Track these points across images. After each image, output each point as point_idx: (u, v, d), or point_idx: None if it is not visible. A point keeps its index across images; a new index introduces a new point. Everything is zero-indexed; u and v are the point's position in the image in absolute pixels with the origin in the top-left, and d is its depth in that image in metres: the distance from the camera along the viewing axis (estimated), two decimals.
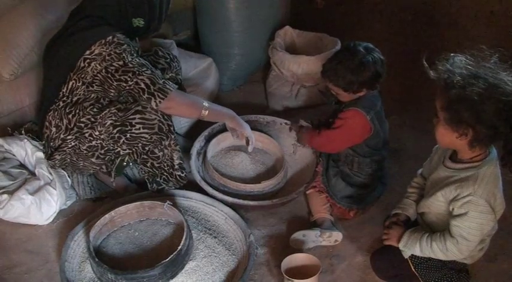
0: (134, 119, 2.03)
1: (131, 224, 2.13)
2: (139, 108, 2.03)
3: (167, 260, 1.83)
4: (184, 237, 1.90)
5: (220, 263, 1.98)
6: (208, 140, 2.49)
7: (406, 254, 1.76)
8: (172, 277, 1.88)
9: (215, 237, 2.08)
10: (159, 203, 2.08)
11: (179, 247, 1.87)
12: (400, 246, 1.75)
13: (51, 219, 2.21)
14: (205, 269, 1.95)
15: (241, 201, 2.19)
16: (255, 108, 2.68)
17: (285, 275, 1.86)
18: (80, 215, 2.24)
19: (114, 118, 2.03)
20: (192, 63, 2.81)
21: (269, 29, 2.98)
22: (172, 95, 1.99)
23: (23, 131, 2.39)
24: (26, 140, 2.31)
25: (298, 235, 2.09)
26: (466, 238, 1.61)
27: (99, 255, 1.94)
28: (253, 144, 2.28)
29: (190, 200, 2.23)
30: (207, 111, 2.09)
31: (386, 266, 1.90)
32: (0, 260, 2.07)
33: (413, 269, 1.77)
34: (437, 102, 1.57)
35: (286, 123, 2.51)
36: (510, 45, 3.27)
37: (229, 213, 2.16)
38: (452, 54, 1.58)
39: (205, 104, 2.11)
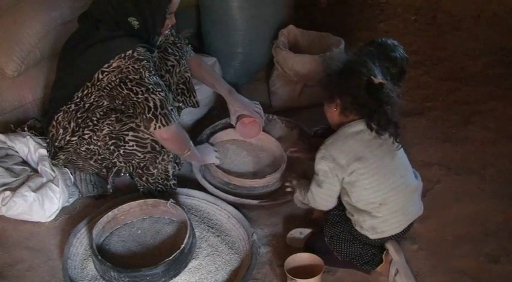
0: (127, 135, 2.01)
1: (134, 222, 2.12)
2: (133, 125, 2.01)
3: (170, 258, 1.83)
4: (187, 236, 1.90)
5: (223, 262, 1.98)
6: (209, 137, 2.50)
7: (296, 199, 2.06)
8: (175, 275, 1.88)
9: (218, 235, 2.08)
10: (162, 201, 2.08)
11: (182, 245, 1.87)
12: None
13: (53, 217, 2.21)
14: (208, 268, 1.95)
15: (242, 200, 2.19)
16: None
17: (288, 275, 1.86)
18: (82, 213, 2.24)
19: (110, 128, 2.02)
20: None
21: (272, 27, 2.97)
22: (172, 127, 1.96)
23: (25, 128, 2.39)
24: (28, 137, 2.31)
25: (295, 233, 2.09)
26: (316, 182, 1.90)
27: (101, 253, 1.93)
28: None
29: (193, 198, 2.23)
30: (188, 152, 2.13)
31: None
32: (2, 257, 2.07)
33: (327, 243, 1.94)
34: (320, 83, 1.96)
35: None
36: None
37: (232, 211, 2.16)
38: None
39: (192, 146, 2.15)
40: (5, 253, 2.08)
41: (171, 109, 1.96)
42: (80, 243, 2.05)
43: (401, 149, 1.89)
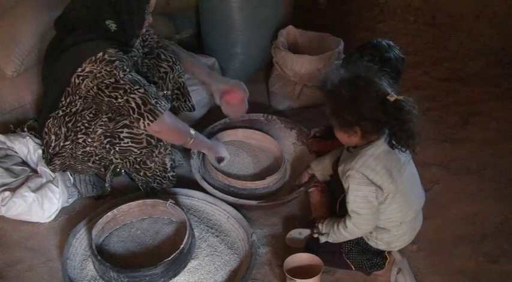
0: (122, 132, 2.01)
1: (133, 222, 2.12)
2: (127, 122, 2.00)
3: (170, 258, 1.83)
4: (186, 236, 1.90)
5: (223, 262, 1.98)
6: (208, 138, 2.49)
7: (322, 239, 1.95)
8: (174, 276, 1.88)
9: (217, 236, 2.08)
10: (162, 201, 2.08)
11: (182, 246, 1.87)
12: (322, 237, 1.95)
13: (53, 217, 2.21)
14: (208, 268, 1.95)
15: (241, 201, 2.19)
16: (257, 107, 2.68)
17: (287, 275, 1.86)
18: (81, 213, 2.24)
19: (104, 127, 2.02)
20: None
21: (272, 28, 2.98)
22: (162, 118, 1.94)
23: (25, 128, 2.39)
24: (28, 137, 2.31)
25: (294, 233, 2.09)
26: (356, 211, 1.80)
27: (101, 253, 1.93)
28: (226, 161, 2.37)
29: (193, 198, 2.23)
30: (192, 140, 2.10)
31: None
32: (2, 257, 2.07)
33: (345, 258, 1.94)
34: (326, 111, 1.80)
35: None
36: None
37: (232, 212, 2.16)
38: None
39: (192, 132, 2.11)
40: (5, 253, 2.08)
41: (156, 102, 1.94)
42: (79, 244, 2.05)
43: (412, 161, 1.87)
